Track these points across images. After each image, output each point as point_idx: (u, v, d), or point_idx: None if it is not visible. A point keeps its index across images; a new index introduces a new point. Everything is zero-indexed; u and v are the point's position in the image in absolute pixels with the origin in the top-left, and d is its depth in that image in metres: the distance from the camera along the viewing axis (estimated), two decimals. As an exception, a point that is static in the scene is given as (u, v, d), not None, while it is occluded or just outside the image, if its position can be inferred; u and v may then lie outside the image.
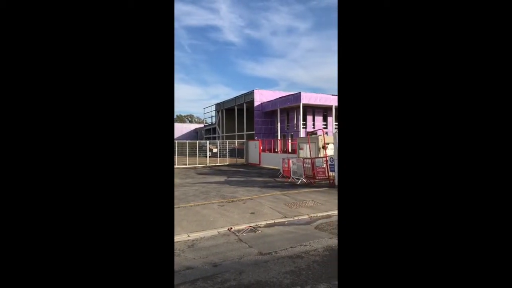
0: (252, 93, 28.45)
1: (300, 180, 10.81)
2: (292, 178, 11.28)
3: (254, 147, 20.23)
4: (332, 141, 10.69)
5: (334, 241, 4.46)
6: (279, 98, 26.75)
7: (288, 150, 20.96)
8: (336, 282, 3.10)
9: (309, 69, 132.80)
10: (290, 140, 23.73)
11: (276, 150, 21.37)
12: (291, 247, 4.22)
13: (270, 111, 28.57)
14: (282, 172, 12.54)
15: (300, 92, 23.69)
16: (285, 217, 6.02)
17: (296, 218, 5.95)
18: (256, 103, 28.25)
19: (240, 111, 30.91)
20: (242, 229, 5.18)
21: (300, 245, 4.32)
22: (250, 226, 5.35)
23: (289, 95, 25.58)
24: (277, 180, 11.82)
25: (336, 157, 9.84)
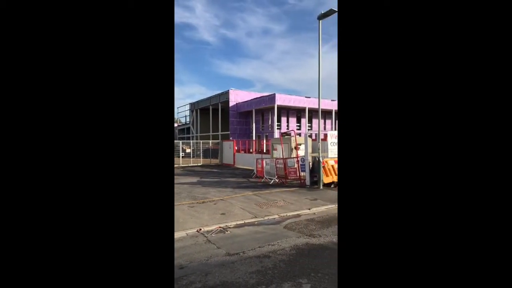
0: (227, 93, 28.29)
1: (272, 180, 10.92)
2: (265, 178, 11.37)
3: (229, 148, 20.15)
4: (304, 142, 10.91)
5: (301, 240, 4.56)
6: (255, 99, 26.84)
7: (263, 150, 21.09)
8: (301, 280, 3.18)
9: (284, 71, 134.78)
10: (265, 141, 23.91)
11: (251, 150, 21.42)
12: (259, 247, 4.25)
13: (245, 112, 28.59)
14: (256, 172, 12.60)
15: (274, 94, 23.94)
16: (256, 217, 6.05)
17: (266, 218, 6.00)
18: (231, 103, 28.14)
19: (215, 111, 30.61)
20: (212, 230, 5.13)
21: (268, 244, 4.37)
22: (219, 227, 5.32)
23: (264, 96, 25.75)
24: (250, 180, 11.86)
25: (306, 157, 10.06)
